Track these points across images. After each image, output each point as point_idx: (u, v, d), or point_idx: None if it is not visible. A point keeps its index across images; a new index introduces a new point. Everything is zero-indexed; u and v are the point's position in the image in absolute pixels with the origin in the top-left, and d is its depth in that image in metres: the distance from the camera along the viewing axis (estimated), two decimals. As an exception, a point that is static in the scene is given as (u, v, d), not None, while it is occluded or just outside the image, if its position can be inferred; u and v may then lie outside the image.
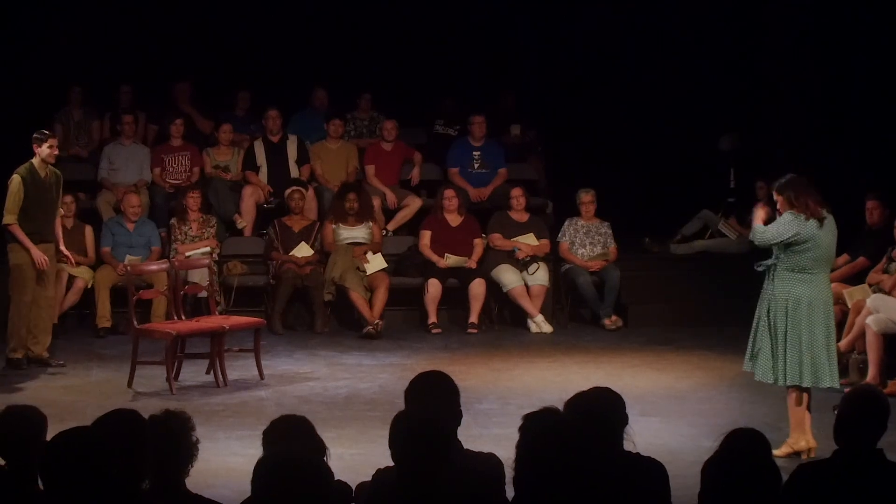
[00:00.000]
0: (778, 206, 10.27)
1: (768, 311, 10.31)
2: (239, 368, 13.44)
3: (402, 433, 5.71)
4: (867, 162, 15.49)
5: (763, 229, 10.18)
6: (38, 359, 13.82)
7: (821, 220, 10.14)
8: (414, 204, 17.43)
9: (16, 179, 13.52)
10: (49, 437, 6.04)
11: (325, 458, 5.86)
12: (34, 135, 13.67)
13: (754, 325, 10.50)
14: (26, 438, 6.38)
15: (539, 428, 5.79)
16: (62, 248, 14.09)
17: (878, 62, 15.53)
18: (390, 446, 5.73)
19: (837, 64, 16.15)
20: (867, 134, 15.46)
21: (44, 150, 13.55)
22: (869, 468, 6.42)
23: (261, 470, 5.32)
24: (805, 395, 10.40)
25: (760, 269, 10.34)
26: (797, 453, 10.19)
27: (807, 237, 10.08)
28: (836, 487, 6.28)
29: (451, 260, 16.19)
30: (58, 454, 5.35)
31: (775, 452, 9.57)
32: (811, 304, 10.20)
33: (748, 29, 17.73)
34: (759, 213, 10.34)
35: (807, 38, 16.88)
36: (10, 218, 13.50)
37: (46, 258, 13.59)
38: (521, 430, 5.84)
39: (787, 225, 10.07)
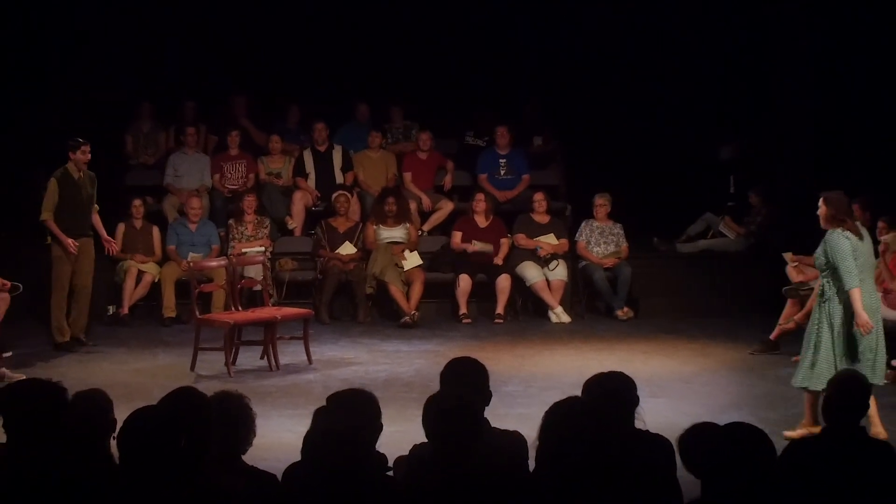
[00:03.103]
0: (819, 212, 10.00)
1: (829, 324, 9.99)
2: (289, 354, 13.44)
3: (433, 413, 5.72)
4: (861, 174, 15.39)
5: (848, 269, 9.77)
6: (76, 339, 14.10)
7: (858, 234, 9.97)
8: (446, 207, 17.44)
9: (52, 182, 13.94)
10: (119, 415, 6.08)
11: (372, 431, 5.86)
12: (69, 142, 14.07)
13: (815, 341, 10.09)
14: (96, 418, 6.40)
15: (560, 412, 5.78)
16: (105, 236, 14.51)
17: (874, 78, 15.44)
18: (423, 425, 5.73)
19: (834, 79, 16.08)
20: (862, 149, 15.35)
21: (78, 156, 13.95)
22: (853, 444, 6.42)
23: (312, 438, 5.38)
24: None
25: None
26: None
27: (853, 246, 9.88)
28: (825, 461, 6.27)
29: (477, 245, 16.29)
30: (133, 429, 5.40)
31: (790, 434, 9.58)
32: (873, 307, 9.96)
33: (749, 48, 17.67)
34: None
35: (805, 57, 16.83)
36: (45, 214, 13.93)
37: (77, 244, 13.89)
38: (546, 415, 5.83)
39: (844, 247, 9.80)
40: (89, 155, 14.03)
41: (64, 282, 13.97)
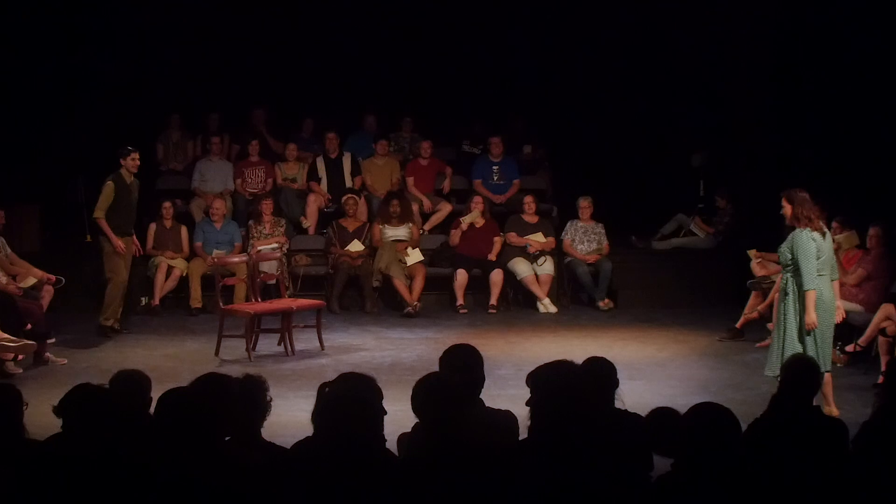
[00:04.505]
0: (783, 211, 9.87)
1: (788, 317, 9.89)
2: (304, 341, 13.44)
3: (420, 395, 5.73)
4: (816, 179, 15.38)
5: (808, 272, 9.67)
6: (111, 327, 14.06)
7: (822, 232, 9.86)
8: (445, 208, 17.44)
9: (108, 185, 13.84)
10: (154, 394, 6.11)
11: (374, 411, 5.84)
12: (119, 150, 13.98)
13: (784, 331, 9.93)
14: (136, 394, 6.43)
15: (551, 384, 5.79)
16: (134, 239, 14.36)
17: (826, 99, 15.44)
18: (412, 407, 5.74)
19: (790, 98, 16.09)
20: (816, 156, 15.34)
21: (128, 162, 13.88)
22: (809, 421, 6.44)
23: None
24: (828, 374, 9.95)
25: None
26: None
27: (818, 247, 9.78)
28: (784, 436, 6.28)
29: (467, 217, 16.50)
30: (166, 407, 5.45)
31: None
32: (828, 302, 9.87)
33: (715, 70, 17.69)
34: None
35: (764, 78, 16.85)
36: (98, 213, 13.82)
37: (124, 244, 13.83)
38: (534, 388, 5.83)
39: (810, 249, 9.67)
40: (138, 161, 14.00)
41: (119, 272, 13.90)
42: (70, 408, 5.87)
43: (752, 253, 14.27)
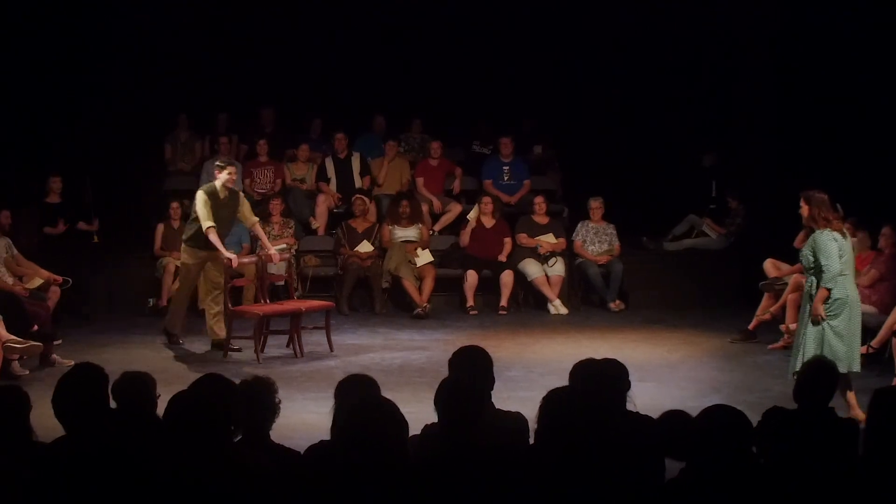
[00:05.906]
0: (801, 211, 9.83)
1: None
2: (313, 342, 13.42)
3: (445, 395, 5.72)
4: (824, 178, 15.34)
5: (830, 271, 9.62)
6: (220, 341, 13.37)
7: (842, 232, 9.79)
8: (455, 209, 17.43)
9: (200, 194, 13.20)
10: (161, 394, 6.12)
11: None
12: (217, 163, 13.64)
13: (807, 335, 9.87)
14: (141, 394, 6.44)
15: (558, 398, 5.76)
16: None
17: (834, 98, 15.41)
18: (435, 405, 5.73)
19: (800, 98, 16.06)
20: (825, 159, 15.32)
21: (223, 176, 13.21)
22: (824, 423, 6.41)
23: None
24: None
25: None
26: None
27: (840, 247, 9.73)
28: (798, 436, 6.26)
29: (471, 213, 16.67)
30: (171, 410, 5.44)
31: None
32: (854, 302, 9.85)
33: (725, 70, 17.69)
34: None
35: (773, 79, 16.85)
36: (208, 223, 13.01)
37: (235, 256, 13.29)
38: (543, 401, 5.80)
39: (831, 249, 9.62)
40: (235, 176, 13.48)
41: (191, 284, 13.60)
42: (62, 397, 5.94)
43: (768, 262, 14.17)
